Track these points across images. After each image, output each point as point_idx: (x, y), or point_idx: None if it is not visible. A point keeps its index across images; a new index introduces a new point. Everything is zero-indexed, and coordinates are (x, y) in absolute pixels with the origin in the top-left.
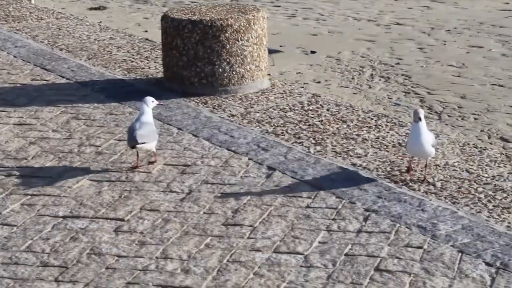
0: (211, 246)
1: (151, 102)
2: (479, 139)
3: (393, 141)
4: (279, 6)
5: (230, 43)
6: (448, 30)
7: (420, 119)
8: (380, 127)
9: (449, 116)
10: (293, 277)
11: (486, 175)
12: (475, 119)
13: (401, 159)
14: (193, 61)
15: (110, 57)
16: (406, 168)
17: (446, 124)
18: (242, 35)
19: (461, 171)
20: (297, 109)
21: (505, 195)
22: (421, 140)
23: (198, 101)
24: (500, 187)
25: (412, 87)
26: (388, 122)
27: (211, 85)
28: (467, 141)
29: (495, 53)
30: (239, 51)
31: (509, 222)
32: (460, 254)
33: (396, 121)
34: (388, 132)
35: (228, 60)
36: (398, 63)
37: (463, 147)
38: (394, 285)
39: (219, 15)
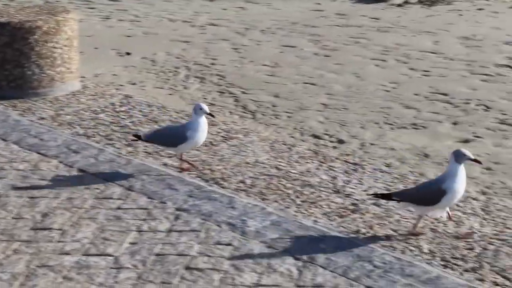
0: (19, 251)
1: None
2: (292, 137)
3: (205, 141)
4: (93, 8)
5: (40, 45)
6: (262, 30)
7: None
8: None
9: (263, 114)
10: (102, 279)
11: (294, 171)
12: (288, 117)
13: (212, 157)
14: (2, 64)
15: None
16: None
17: (260, 123)
18: (52, 37)
19: (271, 168)
20: (108, 111)
21: (312, 190)
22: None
23: (7, 104)
24: (308, 183)
25: (226, 86)
26: None
27: (20, 88)
28: (277, 138)
29: (307, 53)
30: (49, 53)
31: (316, 217)
32: (269, 249)
33: (208, 120)
34: None
35: (37, 62)
36: (213, 64)
37: (273, 144)
38: (204, 283)
39: (28, 16)
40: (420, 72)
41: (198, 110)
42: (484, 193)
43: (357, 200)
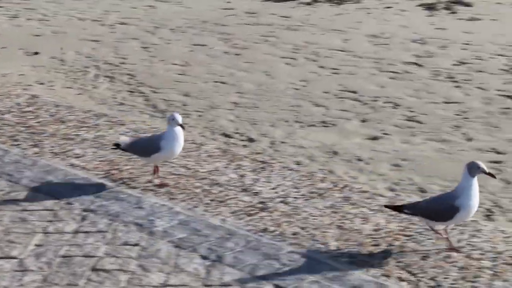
0: None
1: None
2: (203, 136)
3: (113, 140)
4: (1, 7)
5: None
6: (172, 29)
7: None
8: (99, 126)
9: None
10: (7, 282)
11: (203, 170)
12: (199, 116)
13: (120, 157)
14: None
15: None
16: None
17: None
18: None
19: (179, 167)
20: (14, 111)
21: (221, 189)
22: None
23: None
24: (216, 182)
25: (137, 86)
26: (108, 121)
27: None
28: (186, 137)
29: (217, 51)
30: None
31: (224, 216)
32: (176, 249)
33: (116, 120)
34: (107, 131)
35: None
36: (123, 63)
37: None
38: (110, 284)
39: None
40: (329, 70)
41: (170, 120)
42: (392, 190)
43: (265, 198)
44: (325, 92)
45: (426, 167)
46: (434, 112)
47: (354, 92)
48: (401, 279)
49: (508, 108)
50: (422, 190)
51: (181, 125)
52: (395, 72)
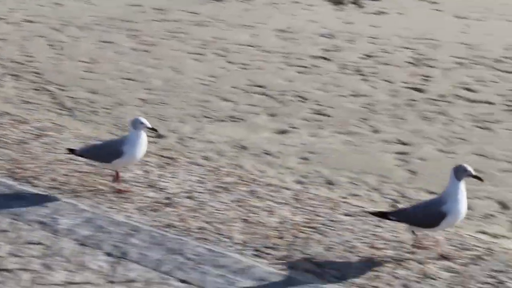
0: None
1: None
2: (111, 133)
3: (15, 139)
4: None
5: None
6: (80, 26)
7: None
8: (3, 125)
9: (80, 111)
10: None
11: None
12: (107, 113)
13: (23, 155)
14: None
15: None
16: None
17: (80, 120)
18: None
19: (84, 164)
20: None
21: (126, 185)
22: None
23: None
24: (122, 178)
25: (43, 84)
26: (11, 120)
27: None
28: (92, 135)
29: (125, 48)
30: None
31: (129, 212)
32: (80, 246)
33: (20, 118)
34: (11, 130)
35: None
36: (29, 61)
37: (87, 141)
38: (13, 284)
39: None
40: (238, 65)
41: (137, 124)
42: (300, 183)
43: (170, 193)
44: (234, 87)
45: (333, 160)
46: (341, 105)
47: (263, 86)
48: (306, 271)
49: (414, 100)
50: (330, 183)
51: (153, 129)
52: (303, 67)
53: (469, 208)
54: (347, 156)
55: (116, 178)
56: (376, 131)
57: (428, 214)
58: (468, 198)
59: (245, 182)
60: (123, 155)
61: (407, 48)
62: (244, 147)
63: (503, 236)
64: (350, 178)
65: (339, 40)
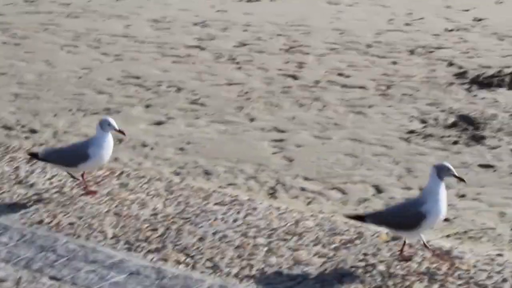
0: None
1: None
2: None
3: None
4: None
5: None
6: None
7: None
8: None
9: None
10: None
11: None
12: None
13: None
14: None
15: None
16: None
17: None
18: None
19: None
20: None
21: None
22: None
23: None
24: None
25: None
26: None
27: None
28: None
29: None
30: None
31: None
32: None
33: None
34: None
35: None
36: None
37: None
38: None
39: None
40: (112, 56)
41: (105, 125)
42: (177, 174)
43: (40, 189)
44: (109, 79)
45: (210, 149)
46: (217, 94)
47: (138, 77)
48: (178, 262)
49: (289, 87)
50: (207, 172)
51: (120, 131)
52: (177, 56)
53: (344, 192)
54: (224, 145)
55: (83, 180)
56: (252, 119)
57: (406, 216)
58: (342, 183)
59: (116, 175)
60: (90, 159)
61: (281, 35)
62: (120, 140)
63: None
64: (227, 167)
65: (212, 28)
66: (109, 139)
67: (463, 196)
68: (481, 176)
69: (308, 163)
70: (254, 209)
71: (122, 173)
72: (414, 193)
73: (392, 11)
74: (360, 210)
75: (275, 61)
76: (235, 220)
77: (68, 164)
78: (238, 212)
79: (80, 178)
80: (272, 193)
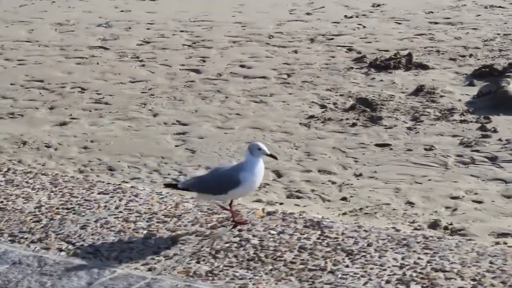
0: None
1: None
2: None
3: None
4: None
5: None
6: None
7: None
8: None
9: None
10: None
11: None
12: None
13: None
14: None
15: None
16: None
17: None
18: None
19: None
20: None
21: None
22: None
23: None
24: None
25: None
26: None
27: None
28: None
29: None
30: None
31: None
32: None
33: None
34: None
35: None
36: None
37: None
38: None
39: None
40: (16, 61)
41: (255, 150)
42: (81, 172)
43: None
44: (12, 84)
45: (114, 146)
46: (121, 92)
47: (41, 81)
48: (60, 250)
49: (192, 81)
50: (111, 169)
51: (272, 155)
52: (81, 58)
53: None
54: (127, 141)
55: (231, 209)
56: (155, 115)
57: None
58: None
59: (2, 172)
60: (241, 184)
61: (184, 31)
62: (24, 142)
63: (280, 203)
64: (131, 163)
65: (116, 28)
66: (260, 164)
67: (360, 175)
68: (377, 155)
69: (210, 154)
70: (136, 195)
71: (8, 169)
72: (313, 176)
73: (293, 2)
74: (261, 196)
75: (178, 57)
76: (117, 207)
77: (217, 191)
78: (121, 199)
79: (228, 207)
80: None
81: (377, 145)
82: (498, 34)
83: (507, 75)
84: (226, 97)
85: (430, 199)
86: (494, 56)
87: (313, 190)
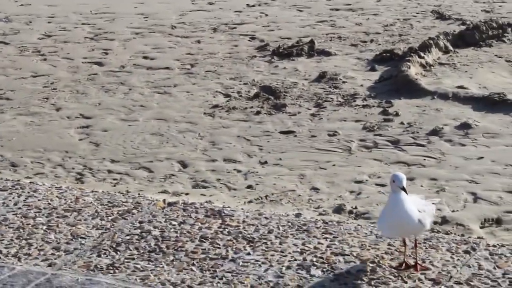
0: None
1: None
2: None
3: None
4: None
5: None
6: None
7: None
8: None
9: None
10: None
11: None
12: None
13: None
14: None
15: None
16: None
17: None
18: None
19: None
20: None
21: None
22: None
23: None
24: None
25: None
26: None
27: None
28: None
29: None
30: None
31: None
32: None
33: None
34: None
35: None
36: None
37: None
38: None
39: None
40: None
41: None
42: None
43: None
44: None
45: (16, 142)
46: (22, 87)
47: None
48: None
49: (94, 74)
50: (14, 165)
51: (403, 188)
52: None
53: (150, 170)
54: (30, 136)
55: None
56: (58, 109)
57: None
58: (148, 161)
59: None
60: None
61: (86, 24)
62: None
63: (185, 193)
64: (34, 158)
65: (16, 23)
66: (402, 199)
67: (265, 162)
68: (282, 142)
69: (114, 146)
70: (35, 191)
71: None
72: (219, 165)
73: None
74: (167, 187)
75: (81, 50)
76: (16, 203)
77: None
78: (19, 196)
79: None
80: (80, 178)
81: (281, 132)
82: (398, 19)
83: (407, 59)
84: (130, 89)
85: (335, 184)
86: (394, 41)
87: (218, 179)
